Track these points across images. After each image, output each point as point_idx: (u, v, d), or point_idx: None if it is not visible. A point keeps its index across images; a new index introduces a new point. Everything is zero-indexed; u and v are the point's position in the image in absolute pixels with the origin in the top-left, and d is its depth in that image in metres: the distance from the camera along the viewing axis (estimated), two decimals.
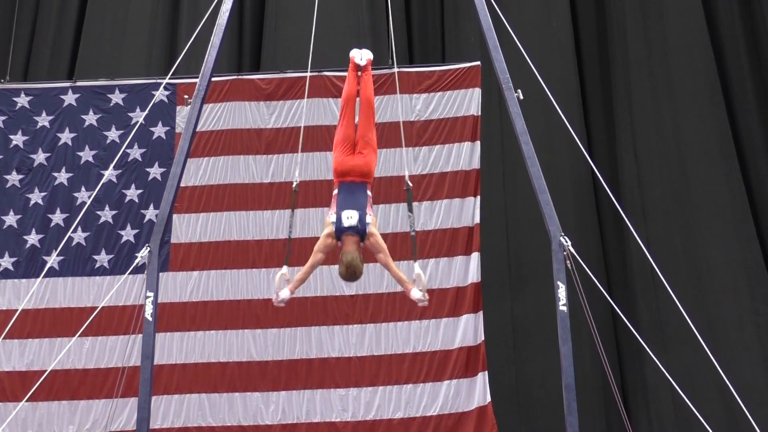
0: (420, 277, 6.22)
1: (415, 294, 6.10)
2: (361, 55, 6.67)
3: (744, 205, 10.38)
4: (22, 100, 9.69)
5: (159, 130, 9.59)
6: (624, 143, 10.89)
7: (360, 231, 6.06)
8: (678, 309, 6.74)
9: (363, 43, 10.70)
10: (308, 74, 8.37)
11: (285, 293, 6.15)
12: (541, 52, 9.98)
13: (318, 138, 9.49)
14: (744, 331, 9.91)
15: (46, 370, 7.44)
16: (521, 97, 6.74)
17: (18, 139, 9.61)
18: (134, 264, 6.57)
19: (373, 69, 9.65)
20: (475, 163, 9.40)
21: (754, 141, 10.75)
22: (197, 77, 7.12)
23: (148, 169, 9.53)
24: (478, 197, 9.32)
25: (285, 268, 6.27)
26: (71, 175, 9.55)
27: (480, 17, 7.08)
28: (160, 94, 9.34)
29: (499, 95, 9.99)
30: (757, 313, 9.97)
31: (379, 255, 6.18)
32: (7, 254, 9.32)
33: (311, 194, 9.42)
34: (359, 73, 6.64)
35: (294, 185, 6.79)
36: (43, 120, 9.66)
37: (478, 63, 9.64)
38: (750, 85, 10.95)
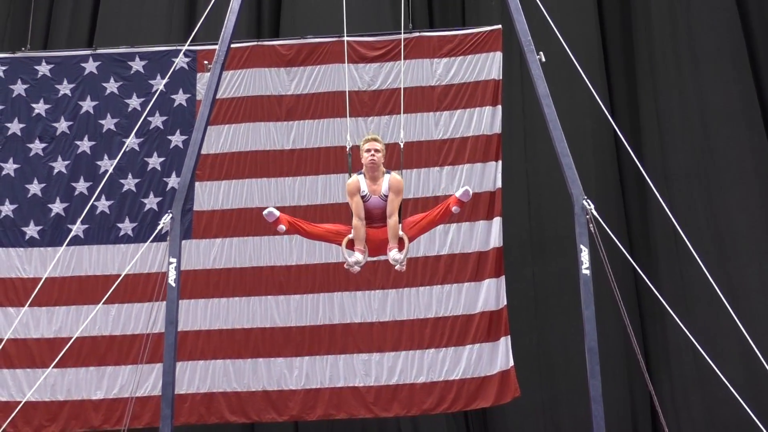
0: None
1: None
2: None
3: None
4: (44, 69, 9.71)
5: (180, 98, 9.59)
6: (646, 107, 10.78)
7: None
8: (699, 273, 6.70)
9: (382, 7, 10.65)
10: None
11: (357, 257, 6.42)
12: (563, 15, 9.85)
13: (340, 104, 9.43)
14: (766, 295, 9.85)
15: (73, 337, 7.58)
16: (543, 59, 6.67)
17: (40, 108, 9.64)
18: (156, 231, 6.62)
19: (392, 33, 9.70)
20: (497, 128, 9.33)
21: None
22: (217, 44, 7.10)
23: (169, 137, 9.54)
24: (500, 162, 9.25)
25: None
26: (94, 143, 9.58)
27: None
28: (180, 61, 9.33)
29: (520, 60, 9.95)
30: None
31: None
32: (32, 223, 9.40)
33: (332, 161, 9.43)
34: None
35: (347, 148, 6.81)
36: (65, 88, 9.67)
37: (500, 26, 9.55)
38: None
